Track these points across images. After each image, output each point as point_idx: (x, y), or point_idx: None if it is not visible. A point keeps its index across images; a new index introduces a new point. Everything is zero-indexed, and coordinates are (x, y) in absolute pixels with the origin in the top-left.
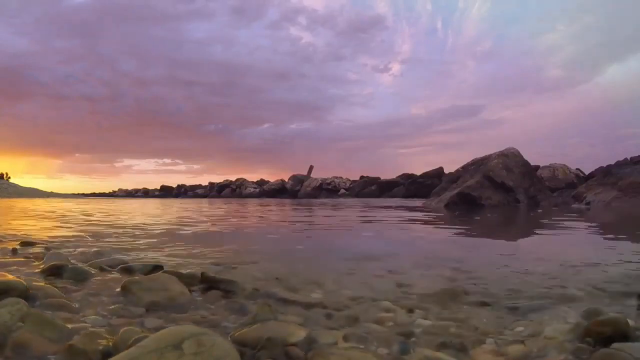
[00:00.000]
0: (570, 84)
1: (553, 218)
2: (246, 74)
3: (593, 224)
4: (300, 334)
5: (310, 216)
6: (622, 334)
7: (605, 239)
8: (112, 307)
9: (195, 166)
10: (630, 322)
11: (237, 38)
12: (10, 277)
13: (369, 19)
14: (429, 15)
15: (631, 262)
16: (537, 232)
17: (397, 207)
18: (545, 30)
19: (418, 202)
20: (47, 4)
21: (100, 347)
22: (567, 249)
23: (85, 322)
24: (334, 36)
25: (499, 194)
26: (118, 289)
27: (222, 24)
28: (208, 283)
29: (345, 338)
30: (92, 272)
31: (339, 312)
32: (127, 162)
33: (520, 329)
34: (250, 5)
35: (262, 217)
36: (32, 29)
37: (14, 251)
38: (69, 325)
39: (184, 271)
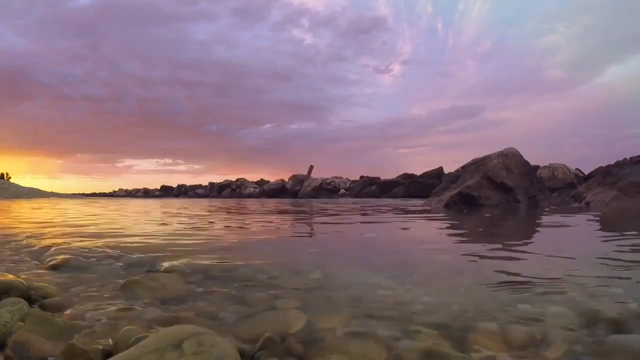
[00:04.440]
0: (570, 84)
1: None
2: (248, 74)
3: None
4: (299, 324)
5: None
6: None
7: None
8: (112, 302)
9: (196, 166)
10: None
11: (240, 39)
12: (10, 276)
13: (370, 21)
14: (429, 16)
15: None
16: None
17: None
18: (545, 31)
19: (418, 203)
20: (50, 5)
21: (101, 347)
22: None
23: (85, 320)
24: (336, 37)
25: (498, 194)
26: (118, 285)
27: (225, 26)
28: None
29: (346, 324)
30: (93, 268)
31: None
32: (128, 162)
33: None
34: (253, 7)
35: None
36: (34, 30)
37: (16, 249)
38: (69, 323)
39: (183, 265)
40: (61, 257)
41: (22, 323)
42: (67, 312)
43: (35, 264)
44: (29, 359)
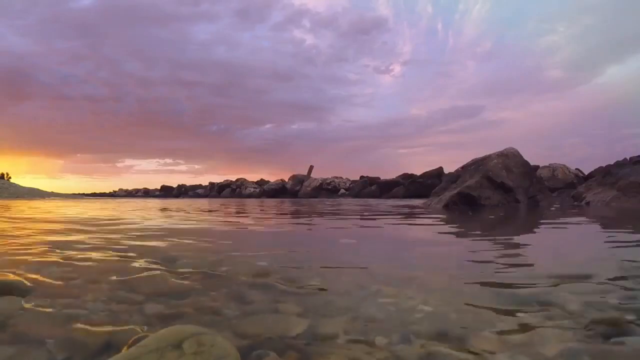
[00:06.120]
0: (570, 84)
1: None
2: (249, 75)
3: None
4: (299, 327)
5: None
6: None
7: None
8: (112, 294)
9: (197, 166)
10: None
11: (241, 40)
12: (11, 276)
13: (370, 21)
14: (429, 16)
15: None
16: None
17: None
18: (545, 31)
19: (417, 202)
20: (51, 5)
21: (100, 338)
22: None
23: (86, 309)
24: (337, 38)
25: (498, 194)
26: (118, 279)
27: (225, 26)
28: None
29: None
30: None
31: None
32: (128, 162)
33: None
34: (254, 7)
35: None
36: (35, 30)
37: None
38: (68, 312)
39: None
40: None
41: (22, 311)
42: (67, 298)
43: None
44: (27, 344)
